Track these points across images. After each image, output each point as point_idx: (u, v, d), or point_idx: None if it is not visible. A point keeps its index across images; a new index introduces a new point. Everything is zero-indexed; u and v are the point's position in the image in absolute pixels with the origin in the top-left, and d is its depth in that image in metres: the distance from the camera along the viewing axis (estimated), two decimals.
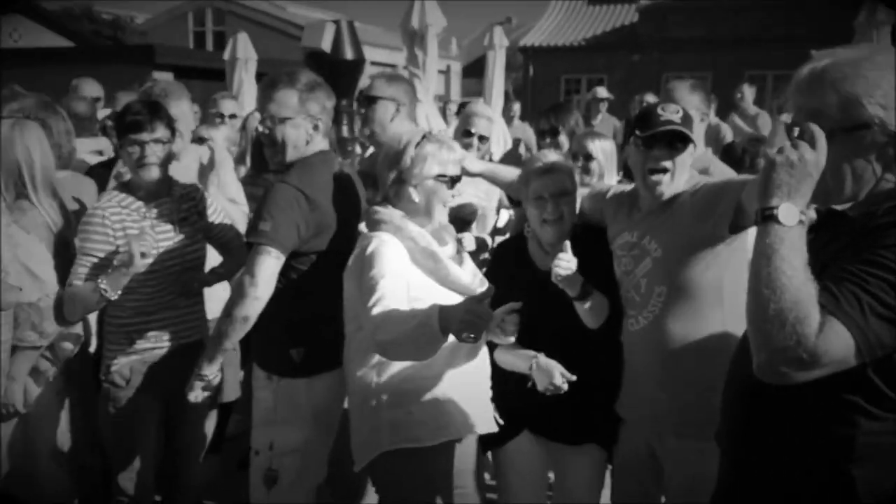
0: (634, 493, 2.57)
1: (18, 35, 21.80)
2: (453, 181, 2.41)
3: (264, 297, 2.45)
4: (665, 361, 2.38)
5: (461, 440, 2.45)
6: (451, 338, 2.03)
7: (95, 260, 2.68)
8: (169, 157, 2.82)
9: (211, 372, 2.59)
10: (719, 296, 2.35)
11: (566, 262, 2.37)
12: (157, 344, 2.82)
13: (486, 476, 3.94)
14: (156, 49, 14.12)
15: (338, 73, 6.68)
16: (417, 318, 2.02)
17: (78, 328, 2.91)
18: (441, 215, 2.44)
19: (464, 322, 1.93)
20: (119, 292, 2.64)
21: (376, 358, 2.32)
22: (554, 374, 2.40)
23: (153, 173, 2.77)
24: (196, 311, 2.97)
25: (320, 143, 2.64)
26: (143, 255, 2.60)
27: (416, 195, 2.37)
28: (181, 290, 2.88)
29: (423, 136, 2.39)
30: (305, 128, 2.58)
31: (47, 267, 2.72)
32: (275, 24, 22.70)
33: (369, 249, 2.29)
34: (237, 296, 2.45)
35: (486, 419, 2.51)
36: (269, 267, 2.44)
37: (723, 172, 3.08)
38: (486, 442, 2.61)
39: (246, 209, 3.94)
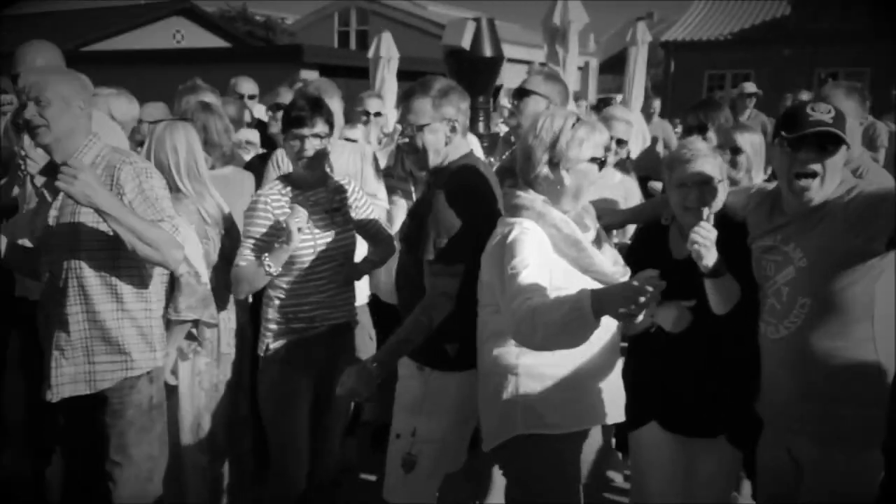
0: (777, 495, 2.50)
1: (181, 36, 23.39)
2: (602, 164, 2.40)
3: None
4: (807, 374, 2.30)
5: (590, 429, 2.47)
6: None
7: (259, 242, 2.90)
8: (326, 151, 2.99)
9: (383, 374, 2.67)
10: (869, 311, 2.25)
11: (705, 232, 2.33)
12: (309, 325, 2.99)
13: (620, 478, 3.96)
14: (304, 49, 14.77)
15: (476, 70, 6.77)
16: (568, 304, 1.98)
17: (213, 310, 3.09)
18: (587, 199, 2.44)
19: (626, 300, 1.87)
20: (280, 268, 2.85)
21: (512, 342, 2.33)
22: (675, 307, 2.38)
23: (310, 165, 2.96)
24: (345, 296, 3.12)
25: (460, 143, 2.71)
26: (299, 229, 2.80)
27: (568, 179, 2.33)
28: (344, 279, 3.07)
29: (577, 118, 2.36)
30: (443, 131, 2.65)
31: (194, 249, 2.95)
32: (416, 22, 23.18)
33: (511, 237, 2.28)
34: (437, 311, 2.53)
35: (617, 409, 2.49)
36: (458, 284, 2.53)
37: (877, 175, 2.92)
38: (617, 436, 2.62)
39: (386, 205, 4.08)
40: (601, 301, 1.94)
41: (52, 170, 2.59)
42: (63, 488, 3.09)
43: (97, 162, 2.58)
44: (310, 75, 12.17)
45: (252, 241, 2.91)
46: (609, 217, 2.87)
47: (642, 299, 1.85)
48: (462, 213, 2.53)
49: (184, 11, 23.92)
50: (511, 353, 2.35)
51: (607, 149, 3.37)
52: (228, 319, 3.24)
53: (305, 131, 2.91)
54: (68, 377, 2.63)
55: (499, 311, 2.32)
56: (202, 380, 3.16)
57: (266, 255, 2.85)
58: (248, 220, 2.95)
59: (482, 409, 2.49)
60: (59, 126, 2.52)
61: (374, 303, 4.06)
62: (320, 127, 2.93)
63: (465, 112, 2.69)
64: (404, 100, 2.68)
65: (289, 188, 3.00)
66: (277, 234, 2.87)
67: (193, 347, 3.11)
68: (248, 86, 5.22)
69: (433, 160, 2.67)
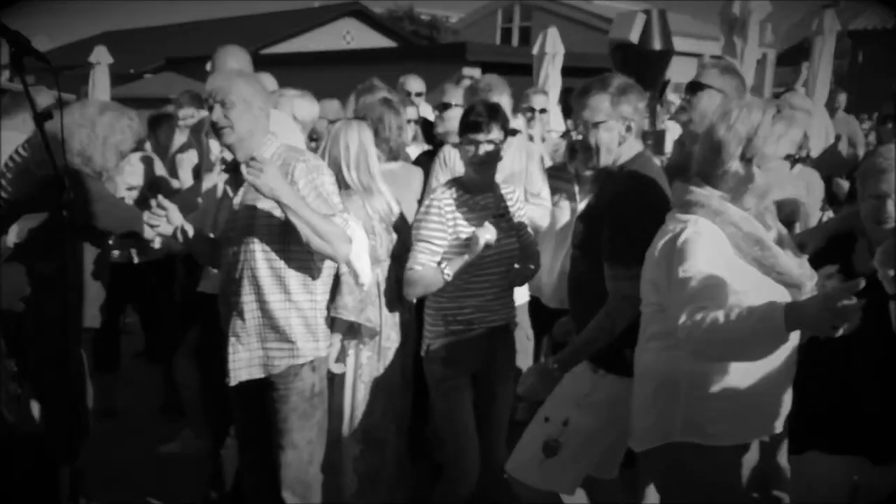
0: None
1: (351, 37, 24.40)
2: (795, 162, 2.21)
3: None
4: None
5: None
6: None
7: (431, 246, 2.97)
8: (498, 157, 3.03)
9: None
10: None
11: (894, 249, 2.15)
12: (468, 327, 3.04)
13: (787, 499, 3.69)
14: (467, 47, 14.94)
15: (644, 64, 6.54)
16: (755, 316, 1.84)
17: (370, 314, 3.15)
18: (773, 198, 2.27)
19: (830, 311, 1.72)
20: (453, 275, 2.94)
21: (673, 344, 2.17)
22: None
23: (482, 170, 3.02)
24: (504, 299, 3.15)
25: (634, 144, 2.64)
26: (486, 245, 2.87)
27: (759, 176, 2.15)
28: (508, 284, 3.13)
29: (777, 110, 2.18)
30: (618, 130, 2.58)
31: (360, 245, 3.03)
32: (581, 17, 22.82)
33: (683, 237, 2.13)
34: (619, 315, 2.51)
35: (780, 420, 2.32)
36: (639, 288, 2.45)
37: None
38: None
39: (548, 204, 4.02)
40: (799, 314, 1.78)
41: (233, 168, 2.78)
42: (238, 468, 3.28)
43: (273, 159, 2.72)
44: (472, 73, 12.29)
45: (425, 244, 2.98)
46: (811, 240, 2.68)
47: (842, 305, 1.68)
48: (639, 215, 2.45)
49: (354, 13, 24.96)
50: (674, 357, 2.21)
51: None
52: (392, 315, 3.30)
53: (481, 137, 2.96)
54: (244, 361, 2.79)
55: (662, 310, 2.21)
56: (363, 373, 3.25)
57: (445, 262, 2.94)
58: (421, 223, 3.02)
59: (635, 408, 2.38)
60: (242, 126, 2.68)
61: (534, 302, 4.04)
62: (496, 133, 2.97)
63: (643, 112, 2.62)
64: (581, 96, 2.63)
65: (460, 192, 3.06)
66: (455, 242, 2.96)
67: (355, 343, 3.21)
68: (415, 84, 5.33)
69: (604, 159, 2.61)
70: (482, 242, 2.87)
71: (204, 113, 3.78)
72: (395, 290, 3.20)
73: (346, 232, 2.72)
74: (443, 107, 4.18)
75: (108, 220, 3.15)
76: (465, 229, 2.98)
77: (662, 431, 2.27)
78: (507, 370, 3.21)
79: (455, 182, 3.11)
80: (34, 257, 2.75)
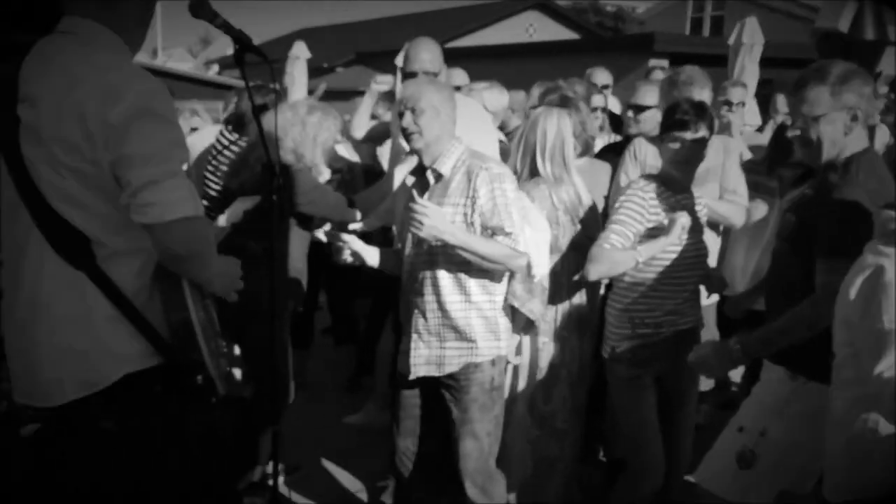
0: None
1: (534, 30, 24.41)
2: None
3: None
4: None
5: None
6: None
7: (626, 230, 2.92)
8: (702, 156, 2.99)
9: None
10: None
11: None
12: (656, 330, 2.98)
13: None
14: (655, 37, 14.46)
15: (854, 55, 6.07)
16: None
17: (536, 305, 3.12)
18: None
19: None
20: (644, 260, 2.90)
21: (869, 395, 1.96)
22: None
23: (685, 170, 2.99)
24: (693, 303, 3.09)
25: (860, 134, 2.46)
26: (682, 229, 2.83)
27: None
28: (708, 290, 3.10)
29: None
30: (842, 120, 2.41)
31: (542, 235, 3.05)
32: (779, 5, 21.47)
33: (888, 277, 1.88)
34: (824, 308, 2.32)
35: None
36: None
37: None
38: None
39: (745, 202, 3.83)
40: None
41: (420, 171, 2.88)
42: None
43: (457, 166, 2.80)
44: (660, 64, 11.89)
45: (620, 227, 2.93)
46: None
47: None
48: (867, 210, 2.27)
49: (537, 6, 24.93)
50: (866, 409, 1.97)
51: None
52: (569, 304, 3.28)
53: (687, 136, 2.91)
54: (423, 359, 2.87)
55: (856, 355, 2.02)
56: (540, 357, 3.26)
57: (639, 247, 2.89)
58: (620, 208, 2.98)
59: (830, 454, 2.18)
60: (430, 133, 2.77)
61: (723, 302, 3.86)
62: (702, 132, 2.92)
63: (869, 98, 2.41)
64: (797, 89, 2.47)
65: (662, 188, 3.01)
66: (655, 228, 2.92)
67: (532, 332, 3.23)
68: (602, 76, 5.27)
69: (828, 153, 2.44)
70: (679, 226, 2.80)
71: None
72: (569, 278, 3.19)
73: (515, 249, 2.74)
74: (637, 109, 4.00)
75: (322, 208, 3.36)
76: None
77: (856, 487, 2.07)
78: (693, 373, 3.09)
79: (656, 178, 3.06)
80: (247, 237, 2.98)
